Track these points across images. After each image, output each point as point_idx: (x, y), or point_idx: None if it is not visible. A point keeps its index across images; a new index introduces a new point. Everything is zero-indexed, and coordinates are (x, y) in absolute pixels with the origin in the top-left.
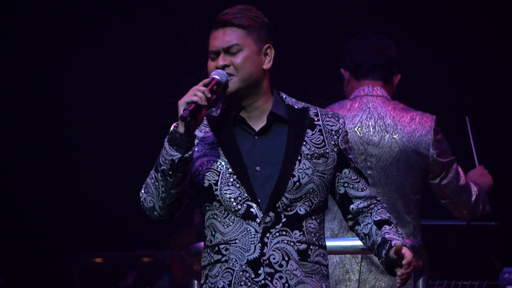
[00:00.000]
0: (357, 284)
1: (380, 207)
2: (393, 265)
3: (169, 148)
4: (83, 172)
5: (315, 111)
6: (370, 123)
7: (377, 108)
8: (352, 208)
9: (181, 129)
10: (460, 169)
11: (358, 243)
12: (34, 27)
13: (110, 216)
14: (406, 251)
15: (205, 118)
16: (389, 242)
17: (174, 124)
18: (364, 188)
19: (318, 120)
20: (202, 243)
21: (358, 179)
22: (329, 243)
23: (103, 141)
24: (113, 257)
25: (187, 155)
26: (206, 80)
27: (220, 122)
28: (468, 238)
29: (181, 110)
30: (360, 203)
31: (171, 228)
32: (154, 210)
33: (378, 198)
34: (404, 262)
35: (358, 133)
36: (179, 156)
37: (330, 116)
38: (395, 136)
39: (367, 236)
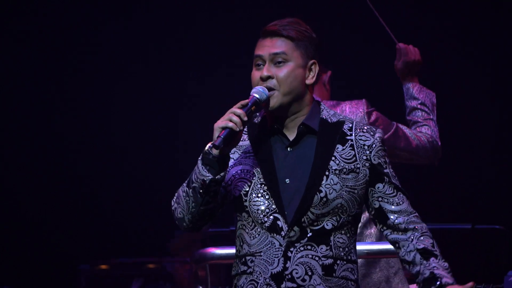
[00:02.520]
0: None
1: (421, 231)
2: None
3: (202, 168)
4: (89, 178)
5: (350, 125)
6: None
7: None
8: (389, 223)
9: (214, 151)
10: (405, 130)
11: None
12: (39, 28)
13: (115, 223)
14: None
15: (246, 125)
16: (439, 279)
17: (209, 144)
18: (400, 202)
19: (351, 134)
20: (208, 249)
21: (394, 194)
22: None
23: (109, 148)
24: (119, 264)
25: (218, 176)
26: (244, 101)
27: (259, 131)
28: (473, 241)
29: (215, 135)
30: (397, 217)
31: (168, 233)
32: (183, 222)
33: (416, 214)
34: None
35: None
36: (210, 177)
37: (365, 130)
38: None
39: (411, 264)
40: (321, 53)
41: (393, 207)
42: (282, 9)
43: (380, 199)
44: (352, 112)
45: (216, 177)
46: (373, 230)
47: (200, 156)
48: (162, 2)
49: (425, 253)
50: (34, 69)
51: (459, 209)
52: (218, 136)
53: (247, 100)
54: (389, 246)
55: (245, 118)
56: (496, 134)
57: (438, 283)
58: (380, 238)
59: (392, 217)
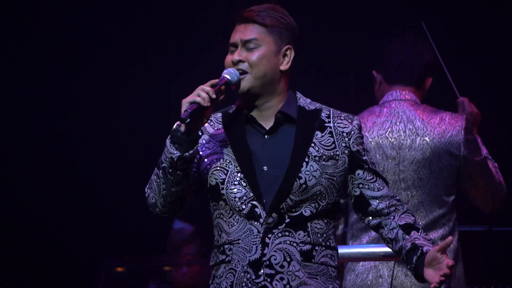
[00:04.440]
0: None
1: (402, 210)
2: (422, 272)
3: (170, 146)
4: (89, 178)
5: (328, 112)
6: (400, 127)
7: (406, 111)
8: (371, 210)
9: (182, 128)
10: (492, 165)
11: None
12: (39, 28)
13: (115, 223)
14: (446, 257)
15: (220, 114)
16: (420, 248)
17: (177, 122)
18: (381, 187)
19: (329, 122)
20: None
21: (374, 179)
22: (362, 250)
23: (109, 148)
24: (135, 266)
25: (187, 154)
26: (214, 81)
27: (233, 120)
28: (490, 243)
29: (182, 110)
30: (379, 203)
31: (167, 230)
32: (156, 207)
33: (397, 198)
34: (448, 264)
35: (389, 138)
36: (178, 154)
37: (342, 118)
38: (426, 138)
39: (393, 241)
40: (296, 39)
41: (374, 192)
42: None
43: (360, 185)
44: (451, 123)
45: (185, 155)
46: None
47: (169, 135)
48: (163, 2)
49: (407, 228)
50: (34, 69)
51: (475, 211)
52: (185, 110)
53: (217, 80)
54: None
55: (214, 96)
56: None
57: (419, 251)
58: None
59: (374, 203)
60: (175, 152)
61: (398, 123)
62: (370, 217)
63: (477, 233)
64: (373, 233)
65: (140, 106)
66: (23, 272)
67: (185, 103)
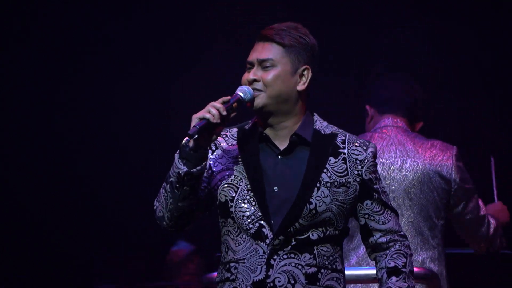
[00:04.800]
0: None
1: (398, 248)
2: None
3: (178, 161)
4: (89, 178)
5: (343, 138)
6: (391, 149)
7: (397, 135)
8: (371, 241)
9: (191, 144)
10: (480, 201)
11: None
12: (39, 28)
13: (115, 223)
14: None
15: (236, 130)
16: None
17: (186, 137)
18: (387, 221)
19: (344, 148)
20: (215, 274)
21: (382, 211)
22: (354, 272)
23: (109, 148)
24: None
25: (194, 170)
26: (226, 98)
27: (248, 137)
28: (488, 266)
29: (192, 125)
30: (380, 236)
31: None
32: (163, 220)
33: (401, 233)
34: None
35: (380, 159)
36: (185, 170)
37: (358, 144)
38: (417, 160)
39: (379, 280)
40: (315, 60)
41: (378, 225)
42: (284, 12)
43: (366, 216)
44: (442, 149)
45: (192, 170)
46: None
47: (178, 150)
48: (163, 2)
49: (391, 272)
50: (34, 69)
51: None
52: (194, 126)
53: (229, 97)
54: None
55: (224, 113)
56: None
57: None
58: None
59: (376, 235)
60: (183, 168)
61: (389, 145)
62: (370, 249)
63: (464, 255)
64: (361, 253)
65: (140, 106)
66: (23, 272)
67: (195, 119)
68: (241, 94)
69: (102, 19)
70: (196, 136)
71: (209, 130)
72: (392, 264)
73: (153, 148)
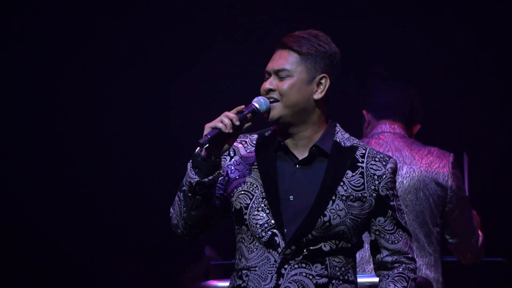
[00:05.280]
0: None
1: (401, 271)
2: None
3: (190, 170)
4: (89, 178)
5: (363, 152)
6: None
7: (394, 142)
8: (378, 258)
9: (203, 153)
10: (474, 211)
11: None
12: (39, 28)
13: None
14: None
15: (256, 136)
16: None
17: (199, 147)
18: (396, 241)
19: (362, 162)
20: (211, 282)
21: (393, 230)
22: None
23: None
24: None
25: (206, 180)
26: (240, 107)
27: (267, 144)
28: (475, 274)
29: (204, 134)
30: (387, 255)
31: (181, 265)
32: (177, 228)
33: (409, 255)
34: None
35: None
36: (197, 179)
37: (377, 159)
38: (414, 167)
39: None
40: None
41: (388, 244)
42: (284, 12)
43: (377, 233)
44: (438, 156)
45: (203, 180)
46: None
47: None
48: (163, 2)
49: None
50: (34, 69)
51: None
52: (205, 135)
53: (242, 106)
54: None
55: (237, 123)
56: (493, 168)
57: None
58: None
59: (384, 253)
60: (194, 177)
61: (386, 152)
62: (375, 266)
63: (460, 263)
64: (357, 258)
65: (140, 106)
66: (23, 272)
67: (207, 128)
68: (257, 105)
69: (102, 19)
70: (207, 145)
71: (221, 140)
72: (391, 287)
73: (153, 148)
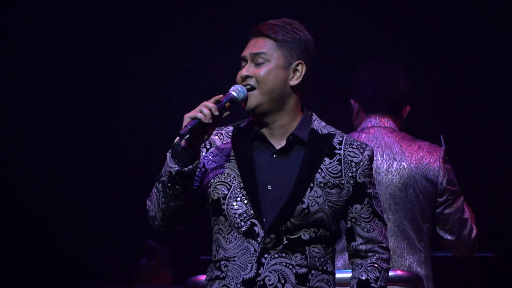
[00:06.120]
0: None
1: (374, 261)
2: None
3: (170, 160)
4: (89, 178)
5: (340, 139)
6: (378, 152)
7: (384, 137)
8: (352, 245)
9: (183, 143)
10: (465, 204)
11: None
12: (39, 27)
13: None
14: None
15: (231, 128)
16: None
17: (178, 137)
18: (372, 229)
19: (340, 149)
20: (200, 276)
21: (369, 219)
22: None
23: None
24: None
25: (186, 169)
26: (218, 96)
27: (243, 135)
28: (465, 269)
29: (183, 125)
30: (361, 243)
31: (133, 261)
32: (155, 220)
33: (383, 245)
34: None
35: None
36: (177, 168)
37: (354, 146)
38: (404, 163)
39: None
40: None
41: (363, 232)
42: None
43: (353, 220)
44: (429, 151)
45: (183, 169)
46: None
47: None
48: (162, 2)
49: (361, 285)
50: (34, 69)
51: None
52: (185, 126)
53: (221, 96)
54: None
55: (216, 113)
56: (486, 165)
57: None
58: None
59: (358, 240)
60: (174, 166)
61: (376, 148)
62: (350, 253)
63: (451, 259)
64: (347, 257)
65: (140, 106)
66: (23, 272)
67: (187, 118)
68: (234, 94)
69: (102, 19)
70: (187, 136)
71: (201, 130)
72: (364, 277)
73: (153, 148)
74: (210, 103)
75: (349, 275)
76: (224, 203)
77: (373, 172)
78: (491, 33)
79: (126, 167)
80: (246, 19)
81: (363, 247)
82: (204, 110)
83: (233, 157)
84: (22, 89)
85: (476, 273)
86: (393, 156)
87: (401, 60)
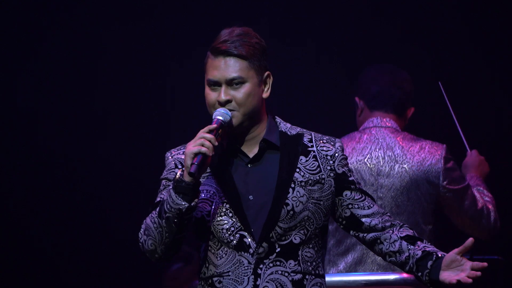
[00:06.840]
0: None
1: (399, 224)
2: (436, 276)
3: (176, 196)
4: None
5: (309, 137)
6: (380, 154)
7: (386, 138)
8: (365, 228)
9: (187, 178)
10: (475, 193)
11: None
12: (38, 27)
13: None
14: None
15: None
16: (434, 253)
17: (179, 172)
18: (371, 205)
19: (312, 146)
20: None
21: (363, 198)
22: (344, 278)
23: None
24: None
25: (193, 203)
26: (211, 126)
27: (215, 151)
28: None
29: (188, 162)
30: (371, 220)
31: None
32: (155, 253)
33: (388, 214)
34: (475, 266)
35: (368, 164)
36: (187, 205)
37: (325, 141)
38: (405, 166)
39: (397, 253)
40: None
41: (365, 211)
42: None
43: (350, 206)
44: (431, 152)
45: (192, 204)
46: (377, 258)
47: (171, 185)
48: (162, 2)
49: (410, 239)
50: (33, 69)
51: (457, 240)
52: (192, 164)
53: (214, 125)
54: (391, 276)
55: (216, 143)
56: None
57: (434, 256)
58: (386, 268)
59: (367, 220)
60: (183, 203)
61: (377, 150)
62: (365, 233)
63: None
64: (349, 259)
65: (140, 106)
66: (23, 272)
67: (190, 154)
68: (221, 118)
69: (102, 19)
70: (197, 173)
71: (205, 162)
72: (404, 234)
73: (153, 148)
74: (208, 135)
75: (348, 277)
76: (209, 220)
77: (368, 173)
78: (491, 33)
79: (126, 167)
80: (246, 19)
81: (374, 221)
82: (206, 143)
83: (209, 173)
84: (22, 89)
85: (482, 275)
86: (394, 158)
87: (401, 62)
